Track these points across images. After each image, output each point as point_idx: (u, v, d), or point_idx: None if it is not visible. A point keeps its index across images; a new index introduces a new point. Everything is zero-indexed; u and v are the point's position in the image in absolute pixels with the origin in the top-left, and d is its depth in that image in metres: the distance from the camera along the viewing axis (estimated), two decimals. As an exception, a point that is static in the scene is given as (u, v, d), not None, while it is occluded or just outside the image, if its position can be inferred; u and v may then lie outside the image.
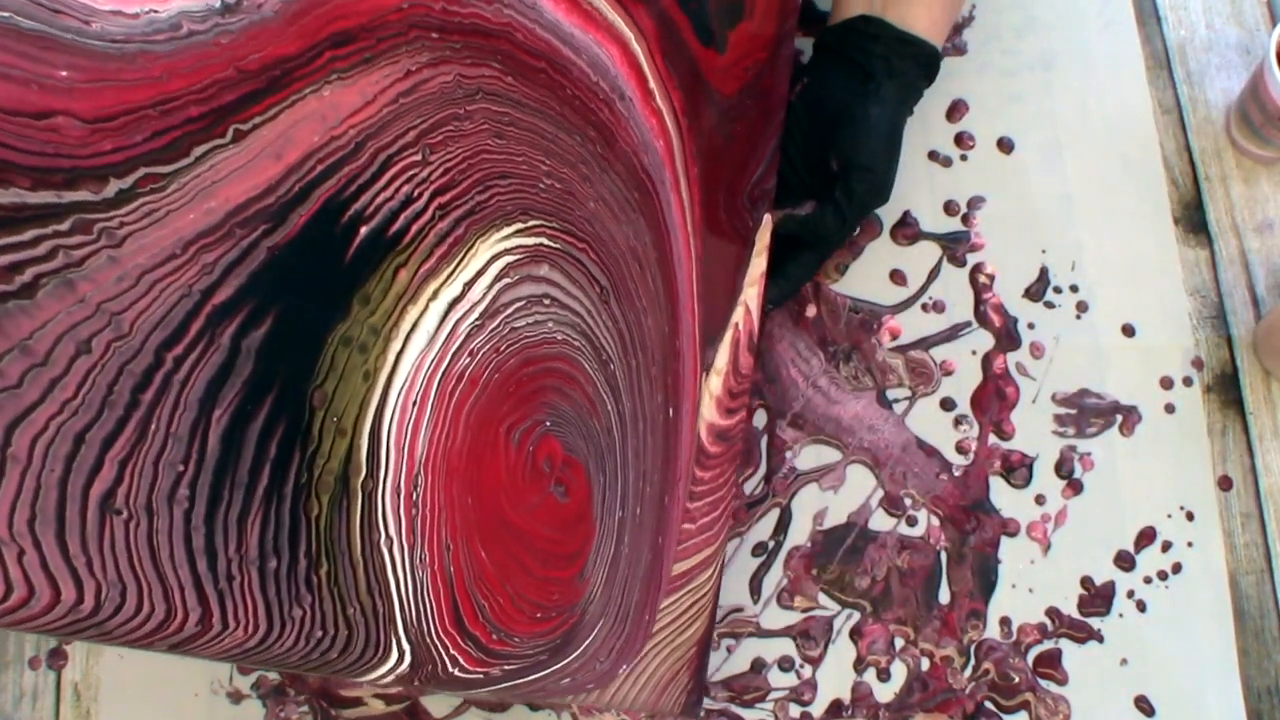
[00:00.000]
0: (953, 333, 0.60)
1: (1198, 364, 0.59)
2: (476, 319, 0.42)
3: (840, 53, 0.57)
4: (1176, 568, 0.55)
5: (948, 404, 0.58)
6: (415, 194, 0.41)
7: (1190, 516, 0.56)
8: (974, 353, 0.59)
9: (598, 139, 0.46)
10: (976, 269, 0.61)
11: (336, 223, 0.39)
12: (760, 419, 0.58)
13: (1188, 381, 0.59)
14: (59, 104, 0.33)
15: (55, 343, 0.33)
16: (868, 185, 0.54)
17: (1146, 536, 0.56)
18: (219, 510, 0.37)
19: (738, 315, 0.53)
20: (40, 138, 0.32)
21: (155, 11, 0.35)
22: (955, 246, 0.61)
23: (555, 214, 0.44)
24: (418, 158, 0.41)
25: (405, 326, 0.40)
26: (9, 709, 0.54)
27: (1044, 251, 0.61)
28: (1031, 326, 0.59)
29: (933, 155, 0.63)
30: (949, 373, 0.59)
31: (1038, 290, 0.60)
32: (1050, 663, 0.53)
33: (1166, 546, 0.56)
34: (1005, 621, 0.55)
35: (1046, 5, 0.67)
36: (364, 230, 0.39)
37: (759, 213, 0.55)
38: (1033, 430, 0.58)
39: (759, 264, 0.55)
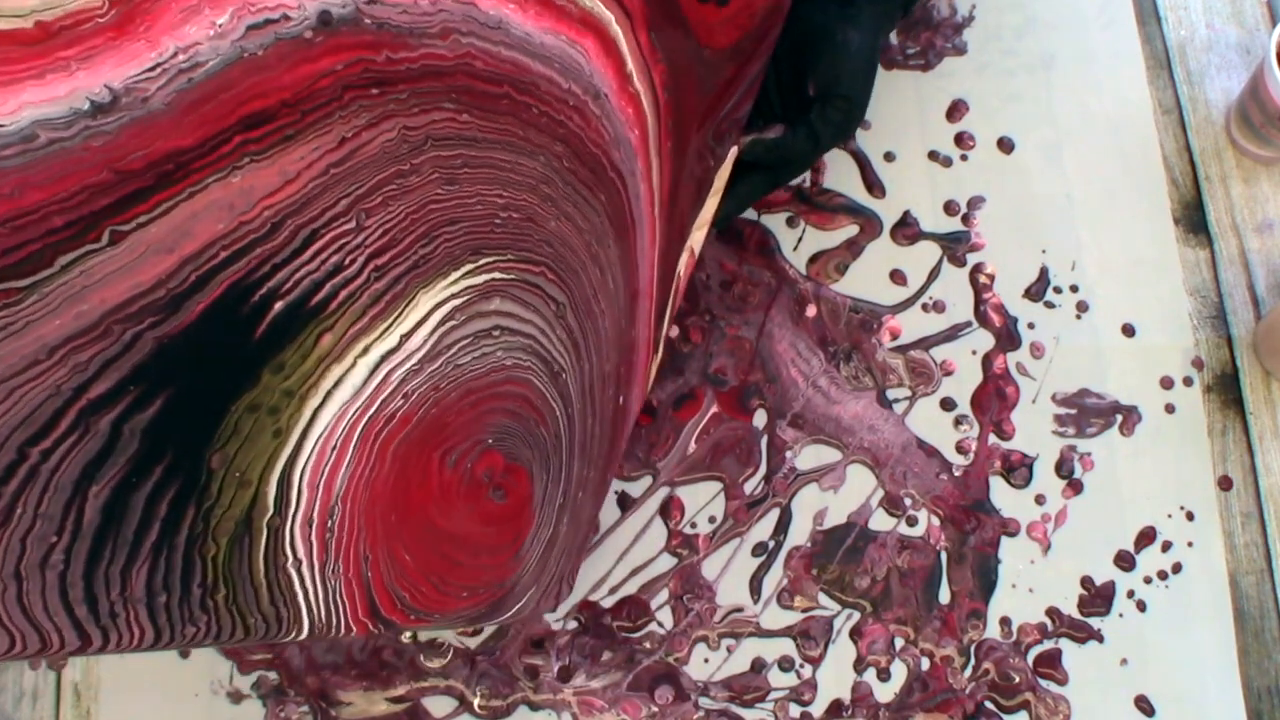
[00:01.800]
0: (953, 333, 0.60)
1: (1198, 364, 0.59)
2: (415, 364, 0.40)
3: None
4: (1176, 568, 0.55)
5: (948, 404, 0.58)
6: (346, 262, 0.38)
7: (1190, 516, 0.56)
8: (974, 353, 0.59)
9: (564, 152, 0.43)
10: (976, 269, 0.61)
11: (244, 304, 0.37)
12: (760, 419, 0.58)
13: (1188, 381, 0.59)
14: None
15: None
16: (844, 114, 0.54)
17: (1146, 536, 0.56)
18: (99, 567, 0.37)
19: (681, 264, 0.51)
20: None
21: (1, 124, 0.31)
22: (955, 246, 0.61)
23: (510, 245, 0.42)
24: (350, 225, 0.38)
25: (327, 384, 0.39)
26: (9, 709, 0.54)
27: (1044, 251, 0.61)
28: (1031, 326, 0.59)
29: (933, 155, 0.63)
30: (949, 373, 0.59)
31: (1038, 290, 0.60)
32: (1050, 663, 0.53)
33: (1166, 546, 0.56)
34: (1005, 621, 0.55)
35: (1046, 5, 0.67)
36: (279, 306, 0.37)
37: (723, 148, 0.52)
38: (1033, 430, 0.58)
39: (712, 205, 0.52)
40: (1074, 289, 0.60)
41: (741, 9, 0.49)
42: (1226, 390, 0.59)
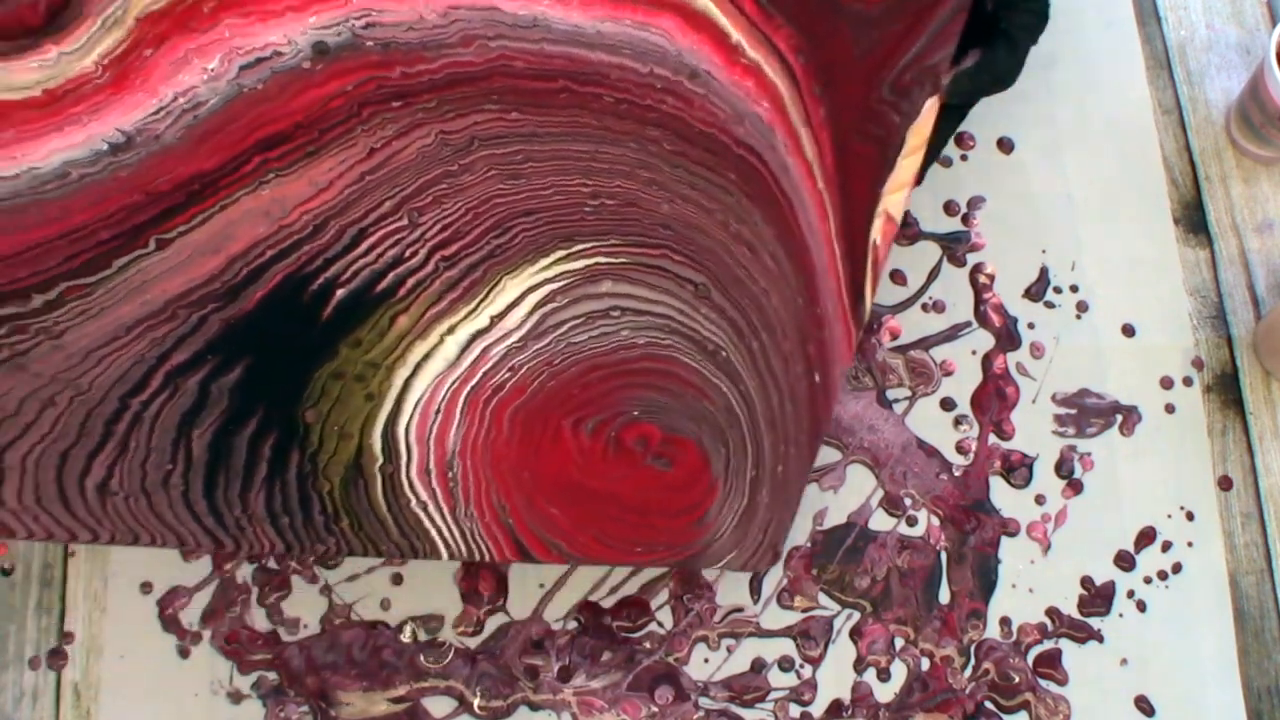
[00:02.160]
0: (953, 333, 0.60)
1: (1198, 364, 0.59)
2: (516, 342, 0.43)
3: None
4: (1176, 568, 0.55)
5: (948, 404, 0.58)
6: (407, 254, 0.41)
7: (1190, 516, 0.56)
8: (974, 353, 0.59)
9: (662, 135, 0.41)
10: (976, 269, 0.61)
11: (303, 292, 0.41)
12: (760, 419, 0.58)
13: (1188, 381, 0.59)
14: None
15: (20, 402, 0.40)
16: (1034, 11, 0.51)
17: (1146, 536, 0.56)
18: (216, 491, 0.43)
19: (875, 232, 0.46)
20: None
21: (35, 168, 0.38)
22: (955, 246, 0.61)
23: (612, 231, 0.43)
24: (403, 223, 0.41)
25: (414, 357, 0.43)
26: (9, 709, 0.54)
27: (1044, 251, 0.61)
28: (1031, 326, 0.59)
29: (933, 155, 0.63)
30: (949, 373, 0.59)
31: (1038, 290, 0.60)
32: (1050, 663, 0.53)
33: (1166, 546, 0.56)
34: (1005, 621, 0.55)
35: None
36: (341, 293, 0.41)
37: (911, 102, 0.45)
38: (1033, 430, 0.58)
39: (909, 165, 0.46)
40: (1074, 289, 0.60)
41: None
42: (1226, 390, 0.59)
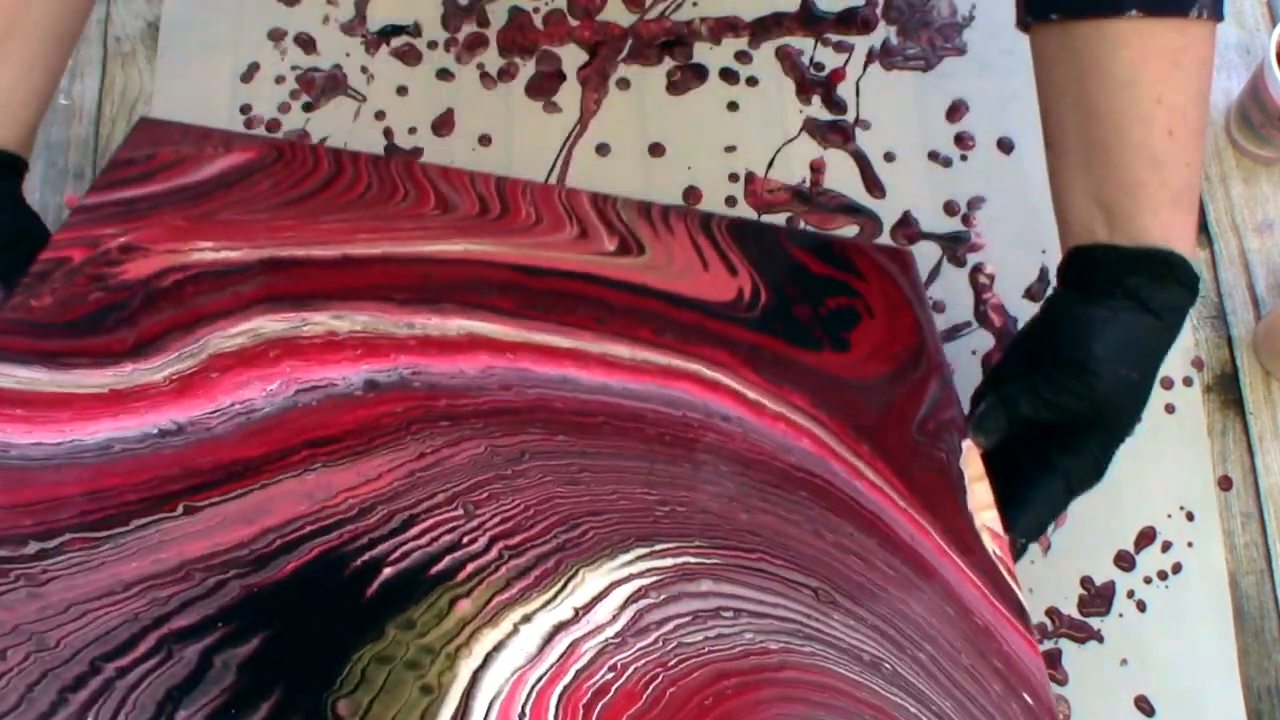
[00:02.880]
0: (953, 333, 0.60)
1: (1198, 364, 0.59)
2: (612, 638, 0.37)
3: (1075, 291, 0.46)
4: (1176, 568, 0.55)
5: (948, 404, 0.58)
6: (464, 540, 0.38)
7: (1190, 516, 0.56)
8: (974, 353, 0.59)
9: (714, 460, 0.42)
10: (976, 269, 0.61)
11: (344, 567, 0.37)
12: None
13: (1188, 381, 0.59)
14: None
15: None
16: (1084, 384, 0.44)
17: (1146, 536, 0.56)
18: None
19: (989, 545, 0.44)
20: None
21: (79, 440, 0.38)
22: (955, 246, 0.61)
23: (694, 534, 0.40)
24: (458, 513, 0.39)
25: (483, 646, 0.36)
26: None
27: (1044, 251, 0.61)
28: (1031, 326, 0.59)
29: (933, 155, 0.63)
30: (949, 373, 0.59)
31: (1038, 290, 0.60)
32: (1050, 663, 0.53)
33: (1166, 546, 0.56)
34: (1005, 621, 0.55)
35: (1046, 5, 0.67)
36: (388, 571, 0.37)
37: (947, 443, 0.47)
38: (1033, 430, 0.58)
39: (981, 489, 0.45)
40: (1074, 289, 0.60)
41: (875, 350, 0.50)
42: (1226, 390, 0.59)
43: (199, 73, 0.63)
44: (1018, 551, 0.45)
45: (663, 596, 0.38)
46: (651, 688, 0.36)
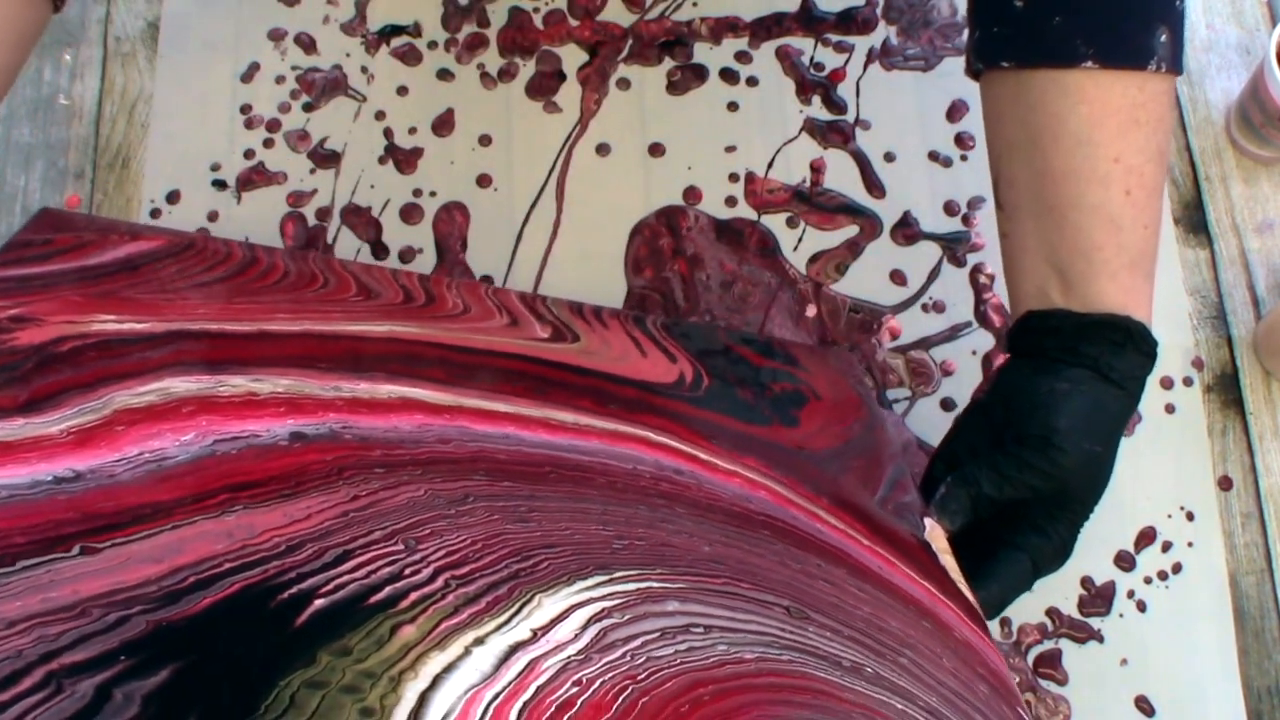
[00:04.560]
0: (953, 333, 0.60)
1: (1198, 364, 0.59)
2: (575, 654, 0.34)
3: (1030, 359, 0.45)
4: (1176, 568, 0.55)
5: (948, 404, 0.58)
6: (405, 571, 0.35)
7: (1190, 516, 0.56)
8: (974, 353, 0.59)
9: (667, 504, 0.40)
10: (976, 269, 0.61)
11: (269, 601, 0.33)
12: (760, 419, 0.58)
13: (1188, 381, 0.59)
14: None
15: None
16: (1049, 461, 0.42)
17: (1146, 536, 0.56)
18: None
19: (964, 589, 0.44)
20: None
21: None
22: (955, 246, 0.61)
23: (657, 563, 0.38)
24: (397, 548, 0.35)
25: (431, 668, 0.33)
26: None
27: (1044, 251, 0.61)
28: (1031, 326, 0.59)
29: (933, 155, 0.63)
30: (949, 373, 0.59)
31: (1038, 290, 0.60)
32: (1050, 663, 0.53)
33: (1166, 546, 0.56)
34: (1005, 621, 0.55)
35: (1046, 5, 0.67)
36: (320, 603, 0.33)
37: (908, 522, 0.46)
38: (1033, 430, 0.58)
39: (948, 563, 0.44)
40: (1074, 289, 0.60)
41: (823, 426, 0.48)
42: (1226, 390, 0.59)
43: (199, 73, 0.63)
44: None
45: (627, 616, 0.35)
46: (622, 698, 0.33)
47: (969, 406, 0.48)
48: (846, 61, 0.65)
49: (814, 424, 0.48)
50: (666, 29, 0.65)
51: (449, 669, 0.33)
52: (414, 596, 0.34)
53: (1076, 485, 0.43)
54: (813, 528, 0.41)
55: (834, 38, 0.65)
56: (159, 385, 0.39)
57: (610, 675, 0.34)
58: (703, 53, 0.64)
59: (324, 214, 0.60)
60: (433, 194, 0.61)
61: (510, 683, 0.33)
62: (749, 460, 0.43)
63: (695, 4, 0.65)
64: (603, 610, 0.35)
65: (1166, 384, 0.59)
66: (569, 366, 0.46)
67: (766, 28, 0.65)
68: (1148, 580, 0.55)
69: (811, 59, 0.65)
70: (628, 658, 0.34)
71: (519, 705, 0.32)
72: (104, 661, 0.30)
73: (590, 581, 0.36)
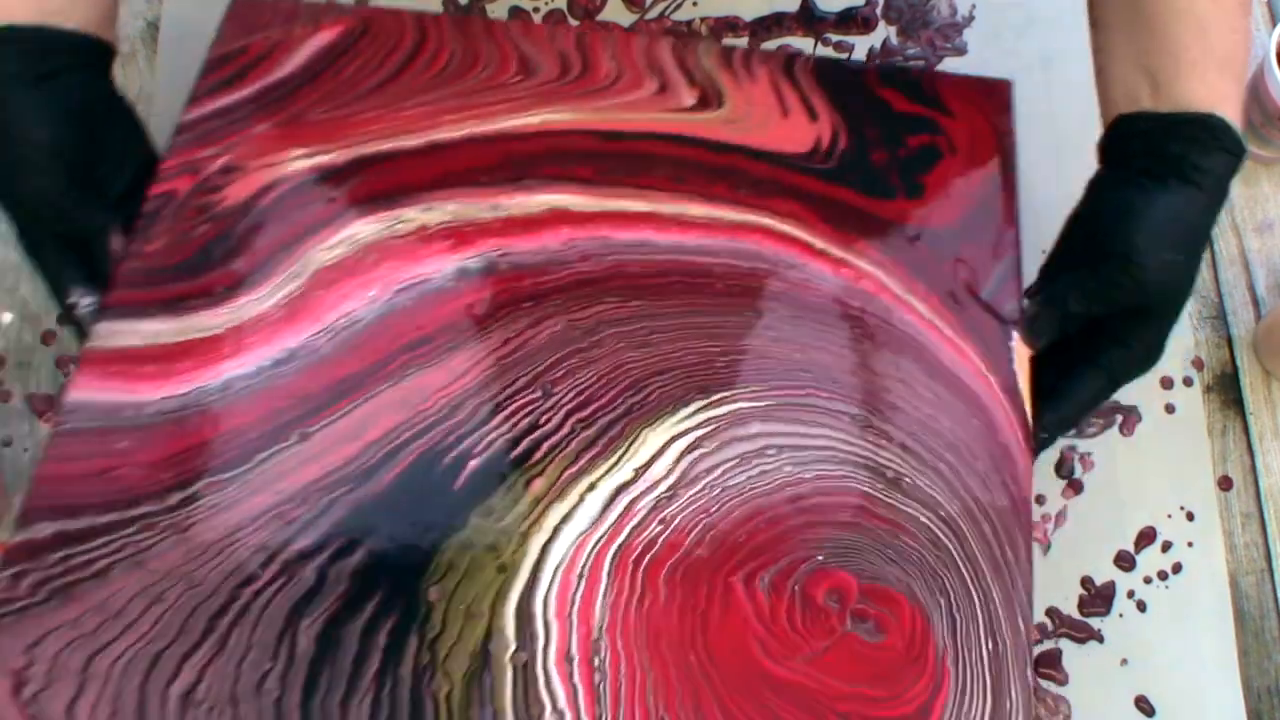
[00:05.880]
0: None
1: (1198, 364, 0.59)
2: (664, 493, 0.42)
3: (1119, 167, 0.47)
4: (1176, 568, 0.55)
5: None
6: (541, 421, 0.43)
7: (1190, 516, 0.56)
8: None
9: (776, 305, 0.46)
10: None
11: (436, 466, 0.41)
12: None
13: (1188, 381, 0.59)
14: (118, 462, 0.41)
15: (128, 601, 0.39)
16: (1129, 277, 0.44)
17: (1146, 536, 0.56)
18: (315, 697, 0.38)
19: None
20: (102, 486, 0.40)
21: (202, 386, 0.42)
22: (955, 246, 0.61)
23: (750, 380, 0.44)
24: (536, 395, 0.43)
25: (552, 520, 0.41)
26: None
27: (1044, 251, 0.60)
28: (1031, 326, 0.59)
29: (933, 155, 0.63)
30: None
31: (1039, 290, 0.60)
32: (1050, 663, 0.53)
33: (1166, 546, 0.56)
34: (1005, 621, 0.55)
35: (1046, 5, 0.67)
36: (473, 464, 0.42)
37: (1002, 327, 0.49)
38: (1033, 430, 0.58)
39: (1024, 384, 0.48)
40: (1074, 289, 0.60)
41: (952, 194, 0.51)
42: (1226, 390, 0.59)
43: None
44: (1038, 445, 0.47)
45: (715, 445, 0.43)
46: (692, 535, 0.41)
47: (1066, 222, 0.49)
48: (846, 61, 0.65)
49: (938, 191, 0.50)
50: (666, 29, 0.65)
51: (565, 519, 0.41)
52: (545, 447, 0.42)
53: (1159, 296, 0.44)
54: (900, 320, 0.47)
55: (834, 38, 0.65)
56: (346, 233, 0.46)
57: (688, 510, 0.41)
58: (703, 53, 0.64)
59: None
60: None
61: (610, 527, 0.41)
62: (862, 245, 0.48)
63: (695, 4, 0.65)
64: (695, 441, 0.43)
65: (1166, 384, 0.59)
66: (709, 143, 0.50)
67: (766, 27, 0.65)
68: (1147, 580, 0.55)
69: (811, 59, 0.65)
70: (706, 489, 0.42)
71: (614, 549, 0.40)
72: (320, 546, 0.40)
73: (691, 408, 0.43)
